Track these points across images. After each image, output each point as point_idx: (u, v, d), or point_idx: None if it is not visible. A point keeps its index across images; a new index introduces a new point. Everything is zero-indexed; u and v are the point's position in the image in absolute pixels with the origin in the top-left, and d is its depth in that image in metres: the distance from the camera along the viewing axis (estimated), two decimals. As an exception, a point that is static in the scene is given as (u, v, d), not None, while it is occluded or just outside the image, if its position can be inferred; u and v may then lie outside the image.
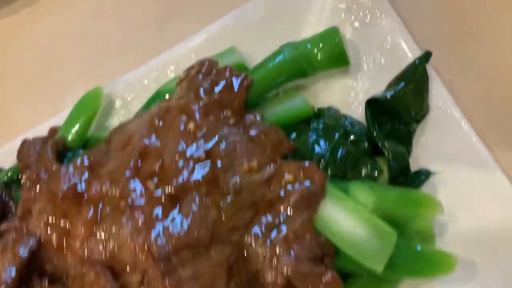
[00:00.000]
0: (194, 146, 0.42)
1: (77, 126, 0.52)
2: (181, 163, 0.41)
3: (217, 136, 0.43)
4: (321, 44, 0.50)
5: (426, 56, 0.49)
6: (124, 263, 0.38)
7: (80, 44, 0.64)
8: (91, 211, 0.39)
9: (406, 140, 0.48)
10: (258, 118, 0.48)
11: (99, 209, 0.40)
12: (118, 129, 0.47)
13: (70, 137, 0.52)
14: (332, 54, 0.50)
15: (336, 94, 0.53)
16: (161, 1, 0.62)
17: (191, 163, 0.41)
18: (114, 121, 0.56)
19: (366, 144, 0.48)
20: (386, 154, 0.46)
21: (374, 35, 0.52)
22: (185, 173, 0.40)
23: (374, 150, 0.48)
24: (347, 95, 0.53)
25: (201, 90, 0.48)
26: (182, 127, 0.43)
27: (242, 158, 0.41)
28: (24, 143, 0.50)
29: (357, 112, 0.51)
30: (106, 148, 0.46)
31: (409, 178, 0.47)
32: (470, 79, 0.50)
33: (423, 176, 0.47)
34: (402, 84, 0.48)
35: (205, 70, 0.50)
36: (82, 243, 0.39)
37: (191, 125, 0.43)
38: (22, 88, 0.64)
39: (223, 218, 0.39)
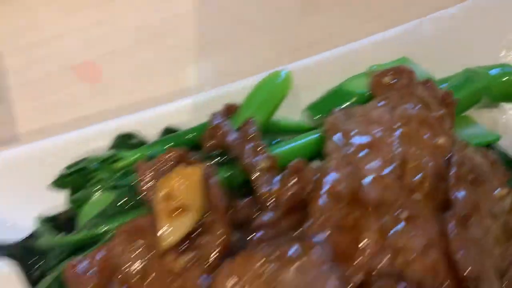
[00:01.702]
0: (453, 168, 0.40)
1: (262, 110, 0.47)
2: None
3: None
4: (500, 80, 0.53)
5: None
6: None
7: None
8: (377, 221, 0.36)
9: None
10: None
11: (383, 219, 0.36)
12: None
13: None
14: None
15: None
16: None
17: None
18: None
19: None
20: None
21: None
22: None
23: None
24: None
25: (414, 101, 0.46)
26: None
27: (492, 185, 0.41)
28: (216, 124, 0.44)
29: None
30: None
31: None
32: None
33: None
34: None
35: (406, 81, 0.48)
36: (371, 253, 0.35)
37: (441, 140, 0.42)
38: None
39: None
